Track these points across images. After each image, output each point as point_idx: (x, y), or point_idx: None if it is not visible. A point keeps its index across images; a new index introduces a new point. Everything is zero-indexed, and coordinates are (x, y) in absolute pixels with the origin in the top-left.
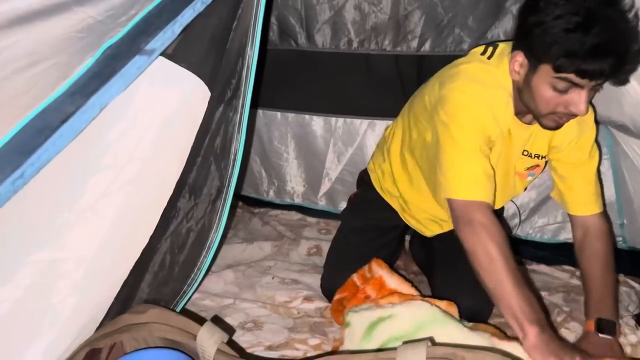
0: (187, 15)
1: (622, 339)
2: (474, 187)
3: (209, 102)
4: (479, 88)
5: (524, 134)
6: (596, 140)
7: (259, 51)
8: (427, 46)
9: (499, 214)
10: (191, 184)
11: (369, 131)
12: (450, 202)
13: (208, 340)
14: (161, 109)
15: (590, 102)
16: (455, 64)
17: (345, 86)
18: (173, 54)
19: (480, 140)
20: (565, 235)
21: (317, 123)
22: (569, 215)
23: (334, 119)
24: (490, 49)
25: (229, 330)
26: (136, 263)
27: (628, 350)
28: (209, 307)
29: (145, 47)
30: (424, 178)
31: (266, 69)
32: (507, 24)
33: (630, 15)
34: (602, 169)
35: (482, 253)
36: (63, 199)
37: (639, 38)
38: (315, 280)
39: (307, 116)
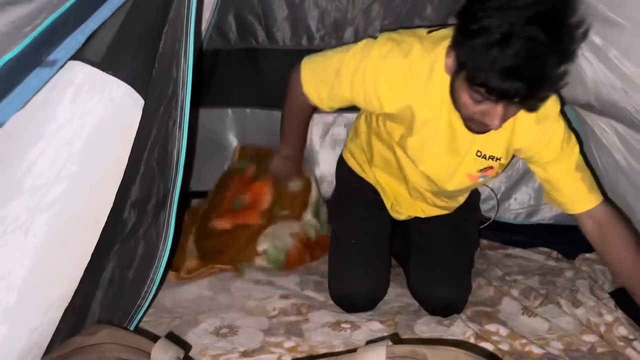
0: (92, 23)
1: (597, 319)
2: (321, 100)
3: (144, 110)
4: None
5: (472, 135)
6: (572, 129)
7: (194, 52)
8: None
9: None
10: (135, 195)
11: (336, 124)
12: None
13: (162, 357)
14: (88, 120)
15: (509, 115)
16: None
17: None
18: (101, 62)
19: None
20: (539, 217)
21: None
22: (573, 215)
23: None
24: (436, 30)
25: (185, 346)
26: (82, 283)
27: (602, 329)
28: (183, 314)
29: (47, 57)
30: None
31: (226, 68)
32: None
33: (572, 32)
34: None
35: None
36: None
37: (567, 59)
38: (289, 280)
39: (275, 112)
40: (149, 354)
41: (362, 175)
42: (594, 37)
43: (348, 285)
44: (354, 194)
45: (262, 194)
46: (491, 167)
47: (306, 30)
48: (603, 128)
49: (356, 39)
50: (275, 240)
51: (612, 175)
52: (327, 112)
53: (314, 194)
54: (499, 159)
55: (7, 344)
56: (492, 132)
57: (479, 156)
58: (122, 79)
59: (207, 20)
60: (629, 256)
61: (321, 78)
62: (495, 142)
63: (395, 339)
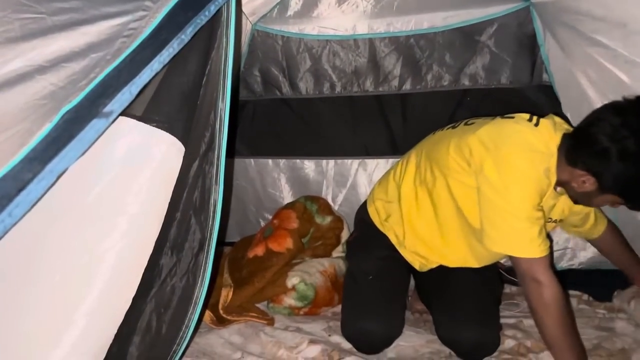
0: (144, 76)
1: None
2: (533, 247)
3: (184, 157)
4: (535, 155)
5: (551, 202)
6: None
7: (230, 103)
8: (407, 85)
9: None
10: (172, 240)
11: (360, 170)
12: (514, 259)
13: None
14: (137, 170)
15: None
16: (500, 124)
17: (333, 129)
18: (144, 115)
19: (535, 203)
20: (567, 263)
21: (309, 167)
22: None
23: (324, 161)
24: (535, 118)
25: None
26: (121, 327)
27: None
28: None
29: (103, 109)
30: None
31: (254, 119)
32: (484, 58)
33: None
34: None
35: (542, 311)
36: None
37: None
38: (316, 326)
39: (298, 161)
40: None
41: (383, 230)
42: (621, 76)
43: (363, 322)
44: (375, 236)
45: (288, 217)
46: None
47: (328, 79)
48: None
49: (376, 86)
50: (305, 276)
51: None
52: None
53: (345, 231)
54: (561, 221)
55: None
56: (563, 198)
57: (549, 221)
58: (164, 130)
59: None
60: (626, 254)
61: (524, 236)
62: (563, 206)
63: None
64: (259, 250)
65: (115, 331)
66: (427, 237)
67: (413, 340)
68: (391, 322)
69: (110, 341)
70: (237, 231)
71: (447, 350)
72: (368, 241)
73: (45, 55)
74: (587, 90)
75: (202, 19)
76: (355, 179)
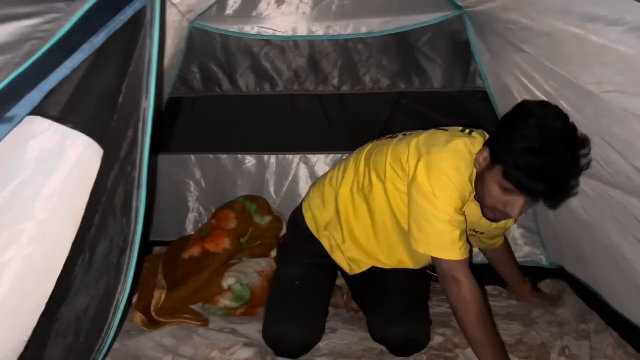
0: (52, 81)
1: None
2: (454, 249)
3: (103, 160)
4: (462, 161)
5: (477, 213)
6: None
7: (154, 102)
8: (346, 86)
9: None
10: (91, 244)
11: (302, 165)
12: (436, 260)
13: None
14: (52, 170)
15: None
16: (435, 134)
17: (274, 125)
18: (60, 116)
19: (458, 207)
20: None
21: (250, 161)
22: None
23: (266, 156)
24: (467, 130)
25: None
26: (35, 334)
27: None
28: None
29: (6, 114)
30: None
31: (193, 115)
32: (419, 63)
33: (584, 160)
34: None
35: (463, 310)
36: None
37: (578, 178)
38: (251, 328)
39: (239, 156)
40: None
41: (317, 236)
42: (545, 85)
43: (282, 327)
44: (306, 241)
45: (226, 217)
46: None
47: (268, 78)
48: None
49: (316, 85)
50: (242, 277)
51: (563, 220)
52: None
53: (284, 231)
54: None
55: None
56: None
57: (471, 232)
58: (81, 131)
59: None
60: (515, 269)
61: (446, 239)
62: (485, 220)
63: None
64: (195, 251)
65: (28, 336)
66: (365, 242)
67: (347, 338)
68: (310, 329)
69: (21, 346)
70: (175, 230)
71: (379, 347)
72: (298, 246)
73: None
74: (517, 97)
75: (118, 23)
76: (297, 173)
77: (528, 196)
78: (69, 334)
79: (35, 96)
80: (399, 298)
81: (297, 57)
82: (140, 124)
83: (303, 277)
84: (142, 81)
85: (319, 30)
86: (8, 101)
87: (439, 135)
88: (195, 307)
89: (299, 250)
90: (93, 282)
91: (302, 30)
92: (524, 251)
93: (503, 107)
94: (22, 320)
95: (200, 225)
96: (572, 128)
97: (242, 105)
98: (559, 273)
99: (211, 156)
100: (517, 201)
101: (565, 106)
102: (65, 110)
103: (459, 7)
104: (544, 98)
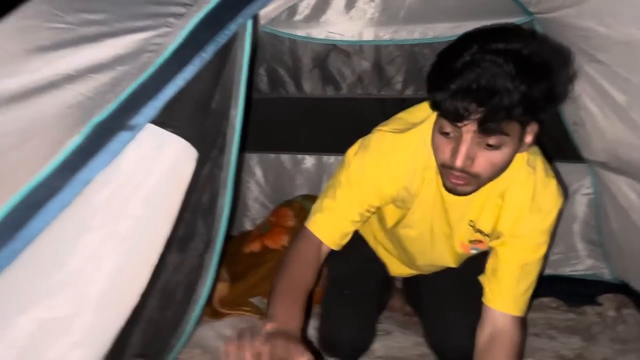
0: (168, 92)
1: None
2: (326, 232)
3: (196, 162)
4: (394, 151)
5: (462, 202)
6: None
7: (244, 108)
8: (409, 90)
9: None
10: (179, 239)
11: None
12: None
13: None
14: (150, 171)
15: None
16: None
17: (335, 127)
18: (160, 120)
19: (361, 199)
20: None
21: (309, 161)
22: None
23: (325, 156)
24: None
25: None
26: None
27: None
28: (210, 351)
29: (129, 122)
30: None
31: (259, 116)
32: None
33: (535, 65)
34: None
35: (286, 252)
36: (53, 261)
37: (527, 88)
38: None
39: (299, 155)
40: None
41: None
42: (617, 95)
43: (333, 331)
44: (357, 242)
45: (285, 215)
46: (481, 242)
47: (332, 81)
48: (620, 188)
49: (379, 89)
50: None
51: (628, 235)
52: None
53: None
54: (487, 236)
55: None
56: (483, 206)
57: (471, 226)
58: (178, 134)
59: None
60: None
61: (327, 217)
62: (487, 216)
63: None
64: (255, 247)
65: (122, 324)
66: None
67: (401, 342)
68: (361, 334)
69: (115, 334)
70: (236, 226)
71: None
72: (349, 247)
73: (74, 65)
74: (588, 105)
75: (223, 38)
76: None
77: (456, 122)
78: (152, 322)
79: (154, 107)
80: (457, 309)
81: (362, 61)
82: (229, 130)
83: (353, 279)
84: (232, 89)
85: (386, 34)
86: (130, 110)
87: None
88: (254, 300)
89: (350, 251)
90: (179, 276)
91: (369, 35)
92: (586, 264)
93: (570, 115)
94: (120, 309)
95: (259, 222)
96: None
97: (305, 107)
98: (621, 288)
99: (272, 155)
100: (459, 144)
101: (636, 119)
102: (164, 114)
103: (530, 13)
104: (613, 108)
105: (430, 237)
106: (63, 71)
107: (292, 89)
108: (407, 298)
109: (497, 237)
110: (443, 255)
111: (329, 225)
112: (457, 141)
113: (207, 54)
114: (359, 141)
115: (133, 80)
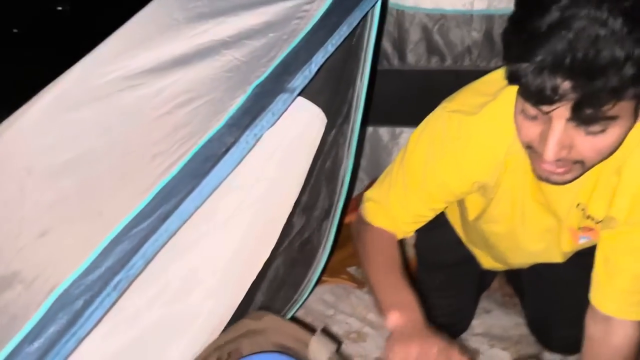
0: (320, 56)
1: None
2: (388, 220)
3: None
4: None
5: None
6: None
7: (369, 79)
8: None
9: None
10: (304, 203)
11: None
12: (360, 209)
13: (319, 349)
14: (284, 135)
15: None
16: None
17: (438, 99)
18: None
19: (417, 202)
20: None
21: (407, 135)
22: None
23: None
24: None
25: (335, 340)
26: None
27: None
28: (312, 313)
29: (287, 85)
30: None
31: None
32: None
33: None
34: None
35: (360, 246)
36: (201, 215)
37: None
38: None
39: (398, 129)
40: (305, 344)
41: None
42: None
43: (434, 317)
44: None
45: None
46: (591, 229)
47: (438, 53)
48: None
49: (488, 61)
50: None
51: None
52: None
53: None
54: (599, 223)
55: (209, 316)
56: (595, 186)
57: (580, 209)
58: (311, 100)
59: None
60: None
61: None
62: (598, 199)
63: None
64: (353, 217)
65: (252, 279)
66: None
67: (502, 321)
68: (461, 320)
69: (245, 288)
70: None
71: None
72: (435, 228)
73: (230, 31)
74: None
75: (368, 4)
76: None
77: (542, 106)
78: (276, 281)
79: (309, 70)
80: (564, 295)
81: (472, 32)
82: (355, 101)
83: (447, 264)
84: (360, 59)
85: (500, 4)
86: (285, 74)
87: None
88: (351, 270)
89: (436, 232)
90: (302, 237)
91: (481, 4)
92: None
93: None
94: (254, 261)
95: (355, 195)
96: None
97: (408, 79)
98: None
99: (370, 128)
100: (549, 130)
101: None
102: None
103: None
104: None
105: (524, 231)
106: (220, 37)
107: (395, 61)
108: (507, 279)
109: (610, 225)
110: (544, 252)
111: (382, 218)
112: (547, 125)
113: (354, 19)
114: (424, 122)
115: (284, 46)
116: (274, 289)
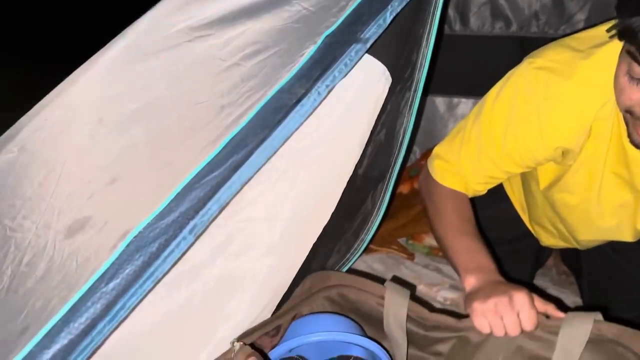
0: (396, 5)
1: None
2: (458, 180)
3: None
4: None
5: None
6: None
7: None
8: None
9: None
10: (362, 164)
11: None
12: (427, 167)
13: (395, 297)
14: (347, 92)
15: None
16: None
17: (500, 69)
18: None
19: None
20: None
21: (466, 106)
22: None
23: None
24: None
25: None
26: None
27: None
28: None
29: (360, 35)
30: None
31: None
32: None
33: None
34: None
35: (432, 207)
36: (262, 171)
37: None
38: None
39: (455, 99)
40: (379, 297)
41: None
42: None
43: None
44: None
45: None
46: None
47: (503, 18)
48: None
49: (556, 28)
50: None
51: None
52: None
53: None
54: None
55: (270, 274)
56: None
57: None
58: (377, 58)
59: None
60: None
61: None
62: None
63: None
64: (405, 188)
65: (317, 235)
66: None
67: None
68: None
69: (306, 249)
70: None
71: None
72: (493, 203)
73: None
74: None
75: None
76: None
77: None
78: (332, 238)
79: (383, 20)
80: (623, 275)
81: None
82: (418, 64)
83: (509, 241)
84: (428, 19)
85: None
86: (358, 24)
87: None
88: (401, 241)
89: (492, 206)
90: (358, 196)
91: None
92: None
93: None
94: (317, 219)
95: (408, 165)
96: None
97: (469, 46)
98: None
99: (426, 98)
100: None
101: None
102: None
103: None
104: None
105: (598, 204)
106: None
107: (457, 25)
108: (563, 256)
109: None
110: (615, 229)
111: (452, 179)
112: None
113: None
114: (505, 78)
115: None
116: (328, 249)
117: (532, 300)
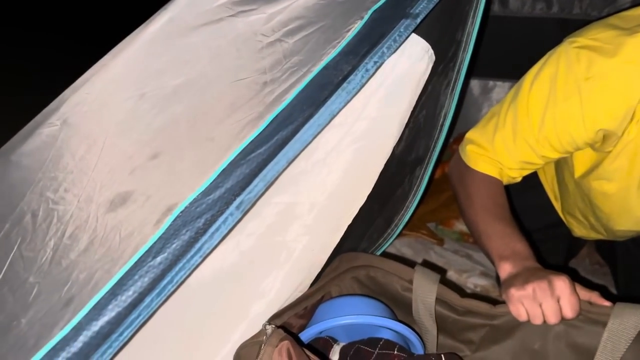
0: None
1: None
2: (492, 166)
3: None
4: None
5: None
6: None
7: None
8: None
9: None
10: (400, 145)
11: None
12: (458, 152)
13: (424, 280)
14: (390, 70)
15: None
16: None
17: (538, 52)
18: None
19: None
20: None
21: (501, 90)
22: None
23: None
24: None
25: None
26: None
27: None
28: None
29: (410, 10)
30: None
31: None
32: None
33: None
34: None
35: (463, 192)
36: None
37: None
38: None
39: (491, 82)
40: (407, 281)
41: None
42: None
43: None
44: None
45: None
46: None
47: None
48: None
49: (601, 9)
50: None
51: None
52: None
53: None
54: None
55: (304, 253)
56: None
57: None
58: (421, 35)
59: None
60: None
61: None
62: None
63: None
64: (436, 173)
65: (353, 216)
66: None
67: None
68: None
69: (343, 230)
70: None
71: None
72: (526, 190)
73: None
74: None
75: None
76: None
77: None
78: (365, 221)
79: None
80: None
81: None
82: (463, 44)
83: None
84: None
85: None
86: None
87: None
88: (430, 226)
89: (525, 194)
90: (394, 179)
91: None
92: None
93: None
94: (353, 202)
95: None
96: None
97: (508, 27)
98: None
99: (469, 80)
100: None
101: None
102: None
103: None
104: None
105: (637, 193)
106: None
107: (496, 5)
108: (597, 246)
109: None
110: None
111: (485, 164)
112: None
113: None
114: (544, 58)
115: None
116: (361, 230)
117: (573, 286)
